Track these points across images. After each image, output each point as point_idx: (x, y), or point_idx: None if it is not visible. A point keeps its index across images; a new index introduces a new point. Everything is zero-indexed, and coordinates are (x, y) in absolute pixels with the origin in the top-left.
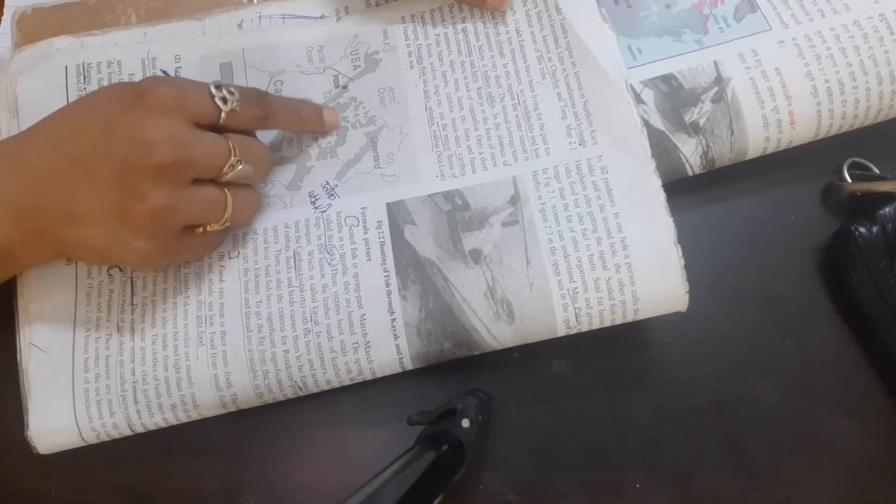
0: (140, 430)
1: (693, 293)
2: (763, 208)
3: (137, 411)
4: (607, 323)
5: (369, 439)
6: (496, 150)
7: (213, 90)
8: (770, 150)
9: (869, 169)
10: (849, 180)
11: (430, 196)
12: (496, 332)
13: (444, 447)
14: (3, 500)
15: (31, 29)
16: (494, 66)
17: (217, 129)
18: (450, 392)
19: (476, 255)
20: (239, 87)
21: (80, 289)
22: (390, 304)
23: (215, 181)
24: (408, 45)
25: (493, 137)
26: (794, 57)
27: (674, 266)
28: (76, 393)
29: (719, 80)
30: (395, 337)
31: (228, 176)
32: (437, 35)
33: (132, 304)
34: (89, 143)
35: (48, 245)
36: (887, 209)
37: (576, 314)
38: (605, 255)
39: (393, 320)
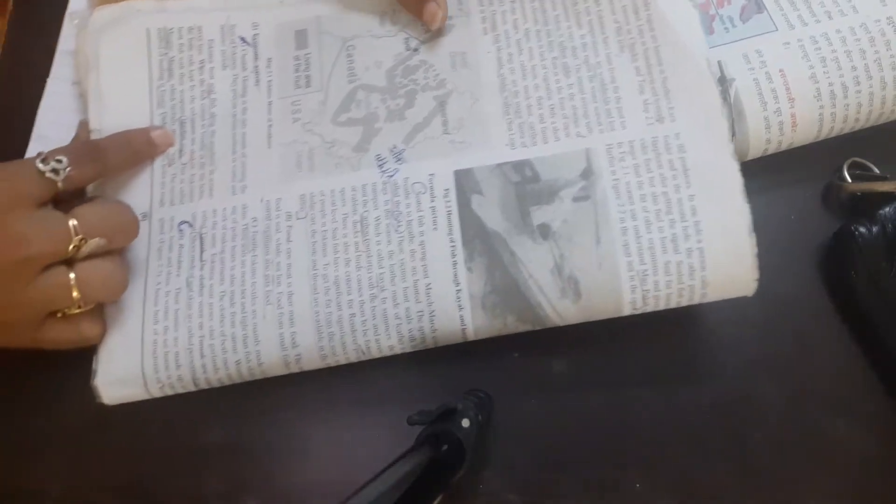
0: (203, 385)
1: None
2: (763, 208)
3: (203, 366)
4: (672, 305)
5: (369, 439)
6: (570, 120)
7: (41, 165)
8: (770, 151)
9: (869, 169)
10: (849, 180)
11: (499, 165)
12: (561, 310)
13: (444, 447)
14: (3, 500)
15: None
16: (571, 37)
17: (58, 199)
18: (450, 392)
19: (545, 231)
20: (65, 149)
21: (152, 243)
22: (456, 275)
23: (68, 262)
24: (482, 11)
25: (566, 107)
26: (799, 59)
27: (746, 254)
28: (145, 344)
29: (723, 81)
30: (460, 308)
31: (83, 253)
32: (513, 2)
33: (202, 260)
34: None
35: None
36: (887, 209)
37: (643, 296)
38: (678, 239)
39: (458, 291)
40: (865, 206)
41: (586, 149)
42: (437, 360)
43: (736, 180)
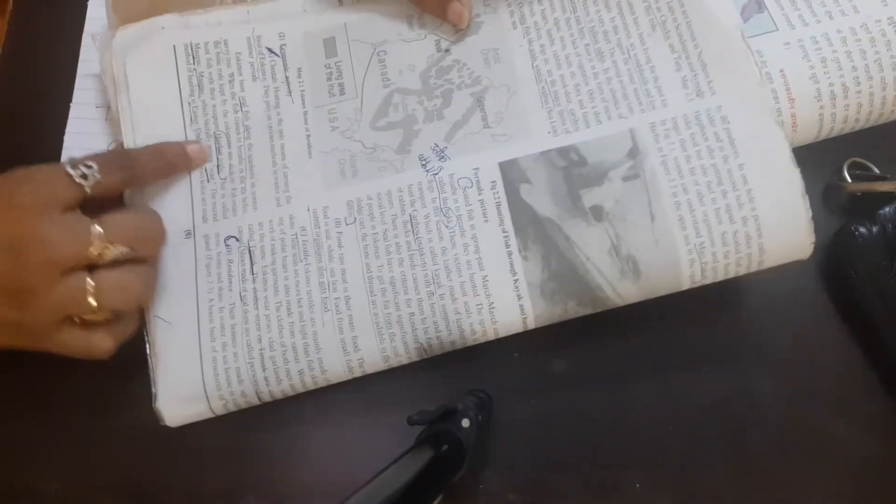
0: (267, 398)
1: (692, 292)
2: None
3: (265, 378)
4: (731, 275)
5: (369, 439)
6: (610, 104)
7: (70, 170)
8: None
9: (869, 169)
10: (849, 180)
11: (543, 153)
12: (621, 290)
13: (444, 447)
14: (3, 500)
15: (128, 12)
16: (601, 21)
17: (87, 204)
18: (450, 392)
19: (597, 213)
20: (97, 156)
21: (199, 260)
22: (512, 265)
23: (90, 267)
24: (509, 5)
25: (605, 91)
26: (800, 59)
27: (801, 218)
28: (204, 362)
29: None
30: (519, 298)
31: (106, 259)
32: None
33: (253, 273)
34: None
35: None
36: (887, 209)
37: (702, 269)
38: (732, 209)
39: (515, 281)
40: (865, 206)
41: (630, 129)
42: (437, 360)
43: (783, 145)
